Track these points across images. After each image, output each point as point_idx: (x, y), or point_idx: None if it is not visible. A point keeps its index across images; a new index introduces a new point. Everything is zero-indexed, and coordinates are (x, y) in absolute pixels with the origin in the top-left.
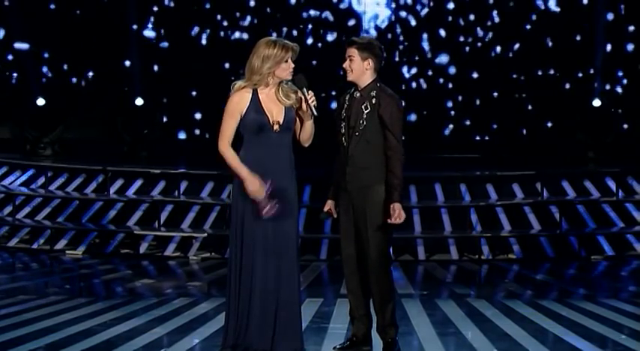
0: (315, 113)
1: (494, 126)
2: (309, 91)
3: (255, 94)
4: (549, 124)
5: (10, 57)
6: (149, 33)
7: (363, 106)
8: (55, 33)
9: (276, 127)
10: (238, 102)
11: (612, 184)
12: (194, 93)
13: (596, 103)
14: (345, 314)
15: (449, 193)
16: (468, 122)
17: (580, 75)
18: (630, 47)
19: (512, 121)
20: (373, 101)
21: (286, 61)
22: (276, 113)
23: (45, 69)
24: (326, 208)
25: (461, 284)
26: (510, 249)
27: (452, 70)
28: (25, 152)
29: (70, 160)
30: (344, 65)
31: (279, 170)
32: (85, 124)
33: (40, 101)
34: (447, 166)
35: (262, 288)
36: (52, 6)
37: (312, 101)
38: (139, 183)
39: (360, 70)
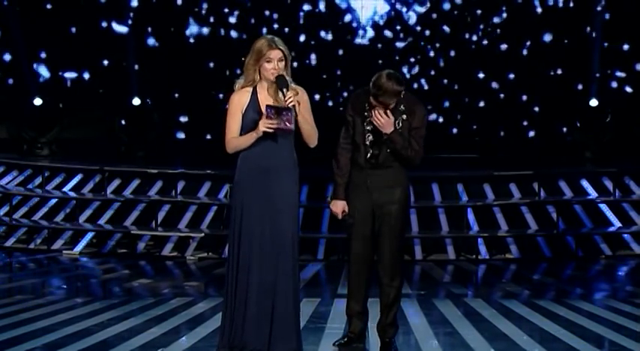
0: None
1: (492, 126)
2: (288, 92)
3: (254, 93)
4: (547, 124)
5: (7, 57)
6: (128, 30)
7: (396, 122)
8: (51, 32)
9: None
10: (238, 101)
11: (609, 184)
12: (190, 93)
13: (593, 102)
14: (342, 314)
15: (446, 193)
16: (464, 122)
17: (577, 75)
18: (626, 46)
19: (510, 121)
20: (404, 117)
21: (269, 61)
22: None
23: (42, 69)
24: (340, 210)
25: (458, 284)
26: (507, 249)
27: (447, 69)
28: (22, 152)
29: (67, 160)
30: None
31: (279, 169)
32: (82, 123)
33: (37, 101)
34: (444, 165)
35: (259, 287)
36: (49, 6)
37: (291, 102)
38: (136, 183)
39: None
